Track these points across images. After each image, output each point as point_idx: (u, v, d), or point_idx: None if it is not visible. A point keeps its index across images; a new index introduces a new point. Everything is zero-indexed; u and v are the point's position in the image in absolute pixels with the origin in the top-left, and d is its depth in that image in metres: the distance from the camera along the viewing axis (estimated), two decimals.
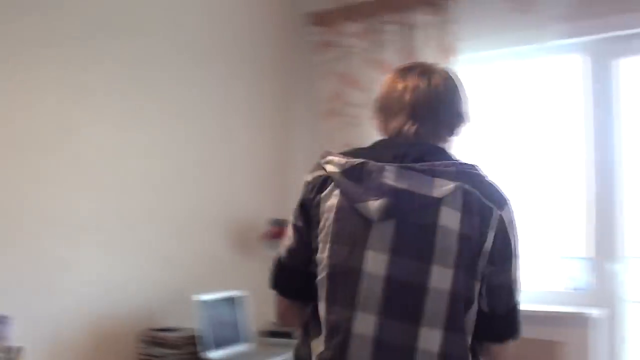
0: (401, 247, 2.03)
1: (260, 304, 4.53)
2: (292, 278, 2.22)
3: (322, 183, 2.16)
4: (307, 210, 2.18)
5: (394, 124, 2.26)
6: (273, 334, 4.45)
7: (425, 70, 2.29)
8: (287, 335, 4.37)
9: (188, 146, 4.30)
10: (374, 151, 2.18)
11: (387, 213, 2.04)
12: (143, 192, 4.03)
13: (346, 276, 2.05)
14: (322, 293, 2.09)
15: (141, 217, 4.01)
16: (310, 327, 2.16)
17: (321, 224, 2.12)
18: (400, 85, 2.27)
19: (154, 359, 3.82)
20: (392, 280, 2.02)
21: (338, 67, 4.81)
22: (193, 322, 3.88)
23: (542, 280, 4.50)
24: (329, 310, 2.07)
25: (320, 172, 2.18)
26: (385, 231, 2.05)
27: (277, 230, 4.56)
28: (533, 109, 4.57)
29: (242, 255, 4.57)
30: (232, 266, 4.50)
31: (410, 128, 2.22)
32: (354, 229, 2.07)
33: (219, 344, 3.94)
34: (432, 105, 2.24)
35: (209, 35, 4.48)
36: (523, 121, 4.60)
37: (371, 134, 4.54)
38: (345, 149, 2.27)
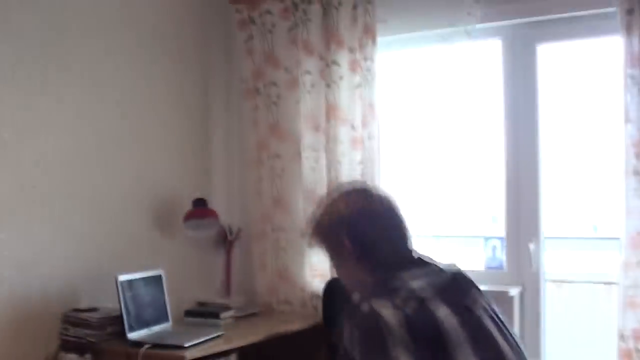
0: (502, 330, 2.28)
1: (183, 284, 4.55)
2: None
3: (423, 308, 2.19)
4: (425, 338, 2.16)
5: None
6: (197, 313, 4.46)
7: None
8: (212, 315, 4.39)
9: (107, 123, 4.25)
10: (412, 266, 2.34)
11: None
12: (61, 170, 3.98)
13: None
14: None
15: (59, 196, 3.96)
16: None
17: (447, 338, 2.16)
18: None
19: (76, 339, 3.81)
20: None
21: (259, 45, 4.81)
22: (115, 302, 3.86)
23: (459, 260, 4.59)
24: None
25: (414, 302, 2.19)
26: (486, 321, 2.28)
27: (198, 209, 4.57)
28: (453, 92, 4.64)
29: (163, 235, 4.56)
30: (153, 245, 4.48)
31: None
32: (480, 326, 2.23)
33: (141, 324, 3.93)
34: None
35: (128, 11, 4.42)
36: (443, 104, 4.67)
37: (292, 113, 4.62)
38: None
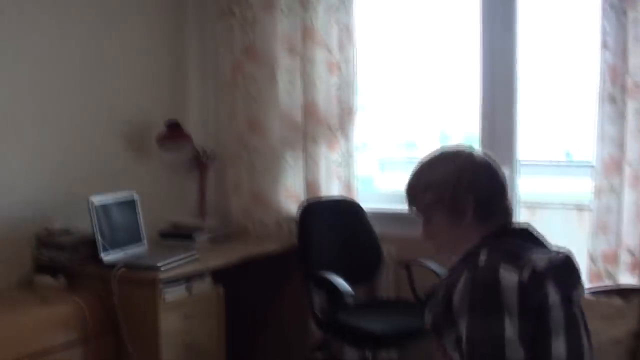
0: (585, 320, 2.26)
1: (157, 206, 4.55)
2: None
3: (537, 280, 2.15)
4: (533, 308, 2.14)
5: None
6: (172, 235, 4.47)
7: None
8: (186, 236, 4.40)
9: (79, 49, 4.20)
10: (531, 244, 2.27)
11: None
12: (34, 96, 3.95)
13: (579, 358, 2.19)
14: None
15: (32, 123, 3.95)
16: None
17: (549, 318, 2.16)
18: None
19: (50, 261, 3.82)
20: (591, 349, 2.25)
21: None
22: (89, 225, 3.85)
23: None
24: None
25: (529, 270, 2.14)
26: (577, 310, 2.23)
27: (171, 132, 4.54)
28: (430, 15, 4.61)
29: (137, 158, 4.55)
30: (127, 168, 4.47)
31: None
32: (572, 315, 2.20)
33: (115, 246, 3.94)
34: None
35: None
36: (421, 28, 4.64)
37: (267, 35, 4.57)
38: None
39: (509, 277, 2.10)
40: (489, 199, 2.29)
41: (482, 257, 2.16)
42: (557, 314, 2.15)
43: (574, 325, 2.22)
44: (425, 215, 2.34)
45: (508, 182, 2.35)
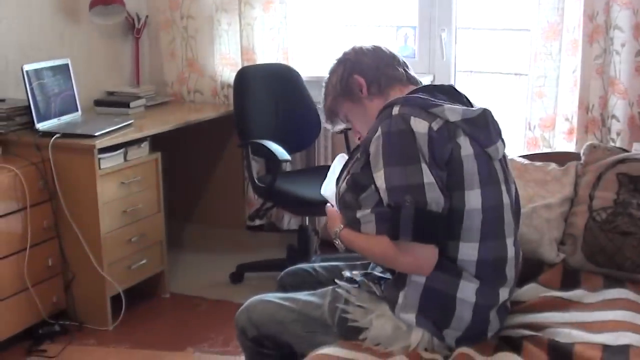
0: (507, 178, 2.38)
1: (91, 74, 4.46)
2: (443, 226, 2.22)
3: (449, 131, 2.23)
4: (443, 158, 2.21)
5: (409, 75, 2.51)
6: (107, 103, 4.40)
7: None
8: (121, 104, 4.34)
9: None
10: (446, 98, 2.34)
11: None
12: None
13: (495, 212, 2.30)
14: (470, 232, 2.25)
15: None
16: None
17: (462, 170, 2.23)
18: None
19: None
20: (512, 206, 2.37)
21: None
22: (23, 94, 3.77)
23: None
24: (483, 245, 2.27)
25: (440, 122, 2.23)
26: (498, 166, 2.33)
27: None
28: None
29: (68, 23, 4.40)
30: (59, 35, 4.33)
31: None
32: (491, 170, 2.30)
33: (50, 115, 3.86)
34: None
35: None
36: None
37: None
38: (418, 97, 2.31)
39: (420, 125, 2.21)
40: (378, 71, 2.47)
41: (395, 109, 2.26)
42: (470, 166, 2.24)
43: (493, 181, 2.30)
44: (341, 116, 2.56)
45: (400, 57, 2.53)
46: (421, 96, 2.30)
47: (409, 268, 2.26)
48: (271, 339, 2.47)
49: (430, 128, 2.20)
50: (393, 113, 2.25)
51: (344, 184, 2.37)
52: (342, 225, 2.42)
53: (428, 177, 2.17)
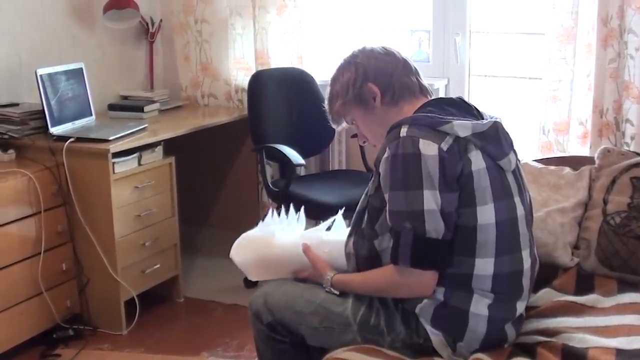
0: (521, 188, 2.37)
1: (105, 78, 4.47)
2: (443, 252, 2.23)
3: (459, 147, 2.22)
4: (454, 176, 2.21)
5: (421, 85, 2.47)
6: (121, 107, 4.41)
7: None
8: (136, 108, 4.34)
9: None
10: (456, 111, 2.33)
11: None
12: None
13: (510, 225, 2.30)
14: (485, 247, 2.25)
15: None
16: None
17: (472, 186, 2.22)
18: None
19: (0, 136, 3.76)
20: (527, 216, 2.37)
21: None
22: (37, 98, 3.78)
23: None
24: (498, 260, 2.27)
25: (450, 140, 2.21)
26: (511, 178, 2.33)
27: (117, 0, 4.42)
28: None
29: (83, 28, 4.42)
30: (73, 39, 4.35)
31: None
32: (504, 182, 2.30)
33: (64, 119, 3.88)
34: None
35: None
36: None
37: None
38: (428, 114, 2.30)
39: (429, 148, 2.19)
40: (390, 80, 2.41)
41: (403, 131, 2.24)
42: (482, 181, 2.23)
43: (506, 193, 2.29)
44: (347, 120, 2.51)
45: (412, 63, 2.48)
46: (429, 114, 2.28)
47: (410, 292, 2.29)
48: (285, 327, 2.46)
49: (440, 149, 2.19)
50: (401, 135, 2.24)
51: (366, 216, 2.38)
52: (331, 274, 2.44)
53: (429, 204, 2.18)
